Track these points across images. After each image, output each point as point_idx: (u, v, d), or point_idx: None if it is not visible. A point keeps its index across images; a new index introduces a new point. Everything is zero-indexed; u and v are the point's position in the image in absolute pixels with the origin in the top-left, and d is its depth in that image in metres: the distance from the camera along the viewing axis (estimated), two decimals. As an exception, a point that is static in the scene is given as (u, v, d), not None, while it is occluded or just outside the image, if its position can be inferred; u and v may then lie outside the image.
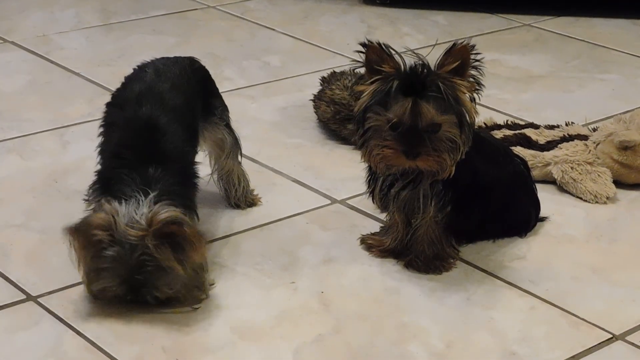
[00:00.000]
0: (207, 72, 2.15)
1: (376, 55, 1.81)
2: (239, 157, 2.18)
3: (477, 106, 2.67)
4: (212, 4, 3.50)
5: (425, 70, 1.79)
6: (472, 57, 1.80)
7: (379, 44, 1.81)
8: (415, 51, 1.84)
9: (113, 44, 3.11)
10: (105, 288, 1.79)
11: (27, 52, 3.02)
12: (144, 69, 2.05)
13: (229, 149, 2.14)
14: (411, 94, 1.77)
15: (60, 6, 3.42)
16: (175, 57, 2.12)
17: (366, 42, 1.82)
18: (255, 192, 2.22)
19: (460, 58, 1.78)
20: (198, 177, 1.95)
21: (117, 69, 2.89)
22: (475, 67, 1.81)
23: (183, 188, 1.87)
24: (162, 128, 1.89)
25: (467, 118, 1.82)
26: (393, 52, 1.83)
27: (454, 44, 1.79)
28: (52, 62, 2.95)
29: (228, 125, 2.15)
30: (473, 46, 1.80)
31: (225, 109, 2.16)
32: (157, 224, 1.73)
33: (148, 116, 1.90)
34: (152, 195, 1.78)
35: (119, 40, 3.14)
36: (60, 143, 2.47)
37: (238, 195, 2.18)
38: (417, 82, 1.78)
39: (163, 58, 2.10)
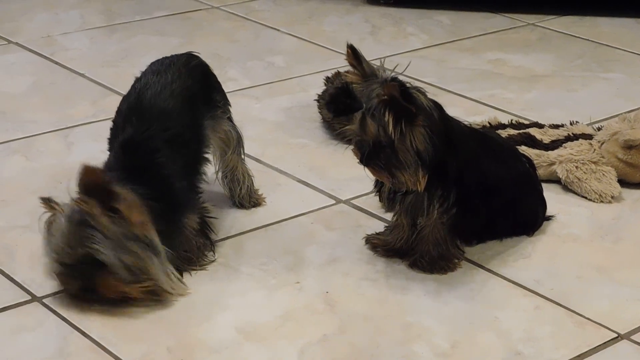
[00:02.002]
0: (206, 67, 2.13)
1: (351, 60, 1.89)
2: (243, 154, 2.17)
3: (482, 106, 2.70)
4: (216, 4, 3.50)
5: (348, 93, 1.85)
6: (401, 92, 1.80)
7: (353, 51, 1.88)
8: (383, 65, 1.88)
9: (117, 45, 3.12)
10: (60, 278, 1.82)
11: (31, 53, 3.02)
12: (135, 82, 2.03)
13: (234, 143, 2.14)
14: (342, 113, 1.86)
15: (65, 7, 3.42)
16: (170, 58, 2.09)
17: (347, 45, 1.89)
18: (260, 192, 2.22)
19: (388, 94, 1.79)
20: (179, 184, 1.92)
21: (121, 69, 2.90)
22: (409, 100, 1.81)
23: (153, 194, 1.84)
24: (138, 145, 1.90)
25: (407, 144, 1.82)
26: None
27: (386, 80, 1.82)
28: (56, 63, 2.96)
29: (231, 119, 2.15)
30: (401, 84, 1.81)
31: (227, 102, 2.15)
32: (82, 177, 1.77)
33: (124, 139, 1.90)
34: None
35: (123, 41, 3.15)
36: (64, 144, 2.47)
37: (242, 194, 2.18)
38: (345, 104, 1.85)
39: (158, 61, 2.08)
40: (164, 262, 1.84)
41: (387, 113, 1.80)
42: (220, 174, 2.17)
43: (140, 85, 2.01)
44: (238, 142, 2.15)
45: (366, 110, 1.83)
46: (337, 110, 1.88)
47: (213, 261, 1.96)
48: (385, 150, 1.83)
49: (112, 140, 1.96)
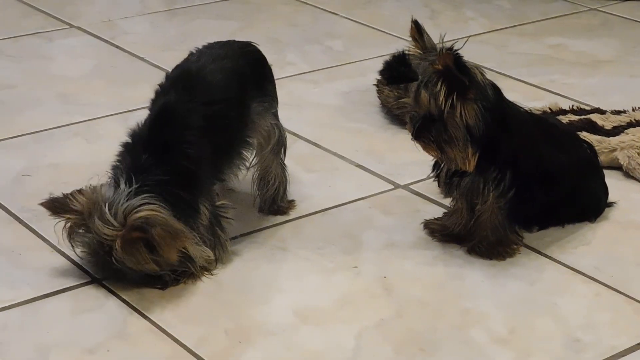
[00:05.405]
0: (262, 56, 2.07)
1: (413, 33, 1.92)
2: (283, 155, 2.07)
3: (543, 91, 2.68)
4: (275, -12, 3.50)
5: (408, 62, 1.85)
6: (455, 63, 1.78)
7: (416, 25, 1.91)
8: (445, 42, 1.85)
9: (177, 29, 3.13)
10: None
11: (92, 37, 3.05)
12: (189, 56, 2.01)
13: (274, 142, 2.04)
14: (396, 81, 1.86)
15: (125, -9, 3.45)
16: (227, 41, 2.06)
17: (412, 20, 1.94)
18: (292, 201, 2.12)
19: (443, 63, 1.78)
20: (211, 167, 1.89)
21: (181, 53, 2.89)
22: (463, 71, 1.79)
23: (174, 178, 1.82)
24: (176, 116, 1.87)
25: (457, 118, 1.81)
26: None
27: (440, 50, 1.81)
28: (117, 46, 2.98)
29: (276, 116, 2.06)
30: (456, 55, 1.79)
31: (276, 98, 2.06)
32: (125, 231, 1.76)
33: (165, 103, 1.89)
34: (133, 187, 1.79)
35: (183, 25, 3.16)
36: (124, 127, 2.47)
37: (267, 197, 2.07)
38: (398, 71, 1.84)
39: (214, 42, 2.04)
40: (199, 252, 1.85)
41: (439, 83, 1.79)
42: (255, 169, 2.08)
43: (192, 57, 1.99)
44: (278, 141, 2.05)
45: (421, 82, 1.82)
46: (391, 78, 1.89)
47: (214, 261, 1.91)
48: (436, 124, 1.82)
49: (154, 102, 1.94)
